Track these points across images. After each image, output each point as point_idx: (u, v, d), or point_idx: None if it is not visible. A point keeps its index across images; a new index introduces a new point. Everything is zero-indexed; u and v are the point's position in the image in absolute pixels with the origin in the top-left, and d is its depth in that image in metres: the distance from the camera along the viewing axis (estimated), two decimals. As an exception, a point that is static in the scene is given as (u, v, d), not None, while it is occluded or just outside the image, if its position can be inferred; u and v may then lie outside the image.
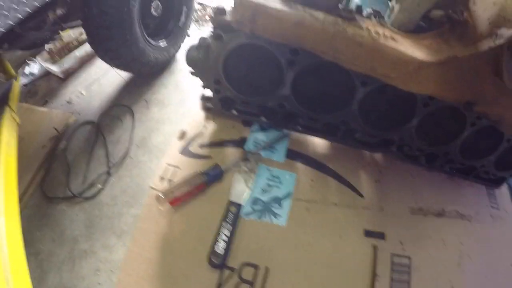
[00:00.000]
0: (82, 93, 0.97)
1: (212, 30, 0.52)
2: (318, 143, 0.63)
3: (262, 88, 0.58)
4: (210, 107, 0.63)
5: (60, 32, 0.85)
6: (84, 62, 1.09)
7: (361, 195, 0.59)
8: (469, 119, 0.58)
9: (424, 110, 0.56)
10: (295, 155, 0.60)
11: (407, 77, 0.46)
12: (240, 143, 0.60)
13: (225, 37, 0.52)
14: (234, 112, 0.61)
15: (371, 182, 0.61)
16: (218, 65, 0.56)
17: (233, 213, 0.54)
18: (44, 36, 0.80)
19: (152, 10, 0.91)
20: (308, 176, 0.59)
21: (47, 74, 1.06)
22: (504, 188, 0.71)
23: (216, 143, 0.60)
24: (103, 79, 1.01)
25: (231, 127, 0.62)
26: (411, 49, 0.45)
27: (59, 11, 0.75)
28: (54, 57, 1.05)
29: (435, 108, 0.56)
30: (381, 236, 0.57)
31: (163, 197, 0.54)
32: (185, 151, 0.60)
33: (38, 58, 1.05)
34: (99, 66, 1.03)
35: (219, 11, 0.52)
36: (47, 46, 1.04)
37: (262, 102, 0.58)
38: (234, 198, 0.55)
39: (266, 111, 0.61)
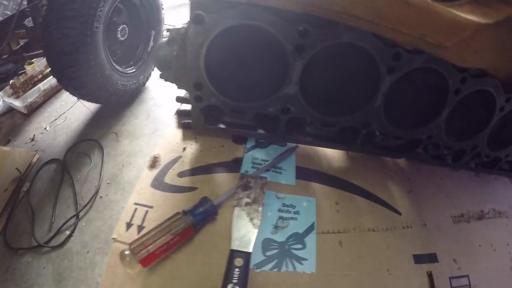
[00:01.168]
0: (46, 129, 0.90)
1: (189, 12, 0.37)
2: (331, 156, 0.47)
3: (258, 89, 0.45)
4: (190, 123, 0.49)
5: (25, 66, 0.79)
6: (49, 95, 1.01)
7: (398, 213, 0.47)
8: (499, 103, 0.47)
9: (455, 98, 0.45)
10: (308, 173, 0.44)
11: (463, 46, 0.34)
12: (233, 166, 0.43)
13: (208, 18, 0.36)
14: (222, 126, 0.47)
15: (403, 194, 0.48)
16: (198, 62, 0.39)
17: (239, 268, 0.38)
18: (8, 69, 0.75)
19: (119, 35, 0.82)
20: (331, 198, 0.44)
21: (10, 110, 1.02)
22: None
23: (201, 169, 0.43)
24: (69, 113, 0.93)
25: (220, 146, 0.46)
26: (463, 11, 0.38)
27: (21, 39, 0.71)
28: (18, 91, 1.01)
29: (466, 94, 0.48)
30: (433, 258, 0.44)
31: (129, 254, 0.37)
32: (159, 184, 0.42)
33: (1, 94, 0.97)
34: (65, 99, 0.97)
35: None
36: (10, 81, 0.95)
37: (260, 109, 0.46)
38: (237, 245, 0.36)
39: (265, 121, 0.47)
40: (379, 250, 0.41)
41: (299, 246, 0.39)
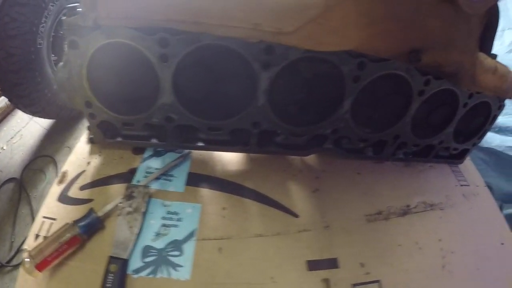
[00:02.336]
0: (3, 148, 0.97)
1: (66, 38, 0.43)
2: (230, 160, 0.51)
3: (139, 102, 0.50)
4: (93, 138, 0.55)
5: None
6: (4, 114, 1.08)
7: (295, 215, 0.47)
8: (416, 87, 0.47)
9: (356, 87, 0.46)
10: (199, 179, 0.48)
11: (314, 27, 0.34)
12: (129, 176, 0.48)
13: (81, 42, 0.42)
14: (119, 139, 0.52)
15: (307, 194, 0.49)
16: (82, 82, 0.47)
17: (113, 274, 0.42)
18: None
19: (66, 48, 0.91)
20: (219, 204, 0.46)
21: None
22: (467, 161, 0.65)
23: (100, 182, 0.49)
24: (24, 130, 1.00)
25: (119, 158, 0.51)
26: None
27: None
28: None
29: (369, 80, 0.46)
30: (332, 263, 0.44)
31: (28, 261, 0.44)
32: (64, 198, 0.48)
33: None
34: (21, 117, 1.04)
35: (71, 11, 0.42)
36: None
37: (146, 120, 0.50)
38: (115, 253, 0.42)
39: (156, 131, 0.52)
40: (265, 256, 0.43)
41: (177, 253, 0.42)
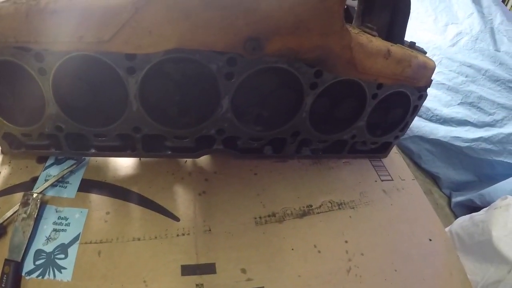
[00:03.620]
0: None
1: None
2: (121, 165, 0.58)
3: (32, 113, 0.56)
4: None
5: None
6: None
7: (176, 219, 0.51)
8: (305, 80, 0.50)
9: (230, 84, 0.49)
10: (90, 185, 0.55)
11: (128, 31, 0.39)
12: (30, 185, 0.57)
13: None
14: (23, 149, 0.59)
15: (192, 197, 0.53)
16: None
17: (6, 275, 0.49)
18: None
19: None
20: (103, 208, 0.53)
21: None
22: (394, 154, 0.66)
23: (6, 191, 0.58)
24: None
25: (25, 167, 0.60)
26: None
27: None
28: None
29: (245, 76, 0.48)
30: (209, 269, 0.47)
31: None
32: None
33: None
34: None
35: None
36: None
37: (40, 130, 0.56)
38: (10, 255, 0.51)
39: (53, 140, 0.58)
40: (140, 260, 0.48)
41: (62, 256, 0.49)
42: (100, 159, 0.58)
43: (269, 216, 0.53)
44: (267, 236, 0.51)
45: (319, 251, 0.51)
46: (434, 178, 2.02)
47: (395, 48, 0.52)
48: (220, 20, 0.39)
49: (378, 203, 0.59)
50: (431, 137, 1.86)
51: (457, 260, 0.61)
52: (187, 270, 0.47)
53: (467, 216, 1.32)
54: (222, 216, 0.52)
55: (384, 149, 0.66)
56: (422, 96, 0.63)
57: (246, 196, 0.54)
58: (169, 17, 0.39)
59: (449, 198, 1.92)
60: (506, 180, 1.65)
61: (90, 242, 0.51)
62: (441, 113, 1.87)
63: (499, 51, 1.83)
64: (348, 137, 0.59)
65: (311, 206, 0.55)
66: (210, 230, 0.51)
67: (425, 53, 0.71)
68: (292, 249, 0.50)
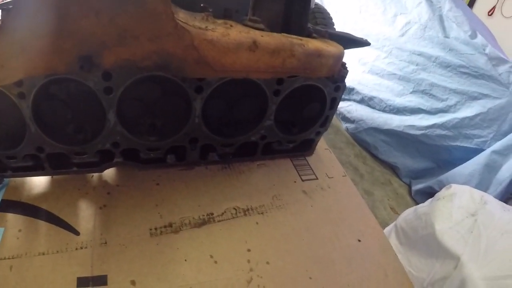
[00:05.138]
0: None
1: None
2: (37, 184, 0.63)
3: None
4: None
5: None
6: None
7: (77, 233, 0.56)
8: (188, 84, 0.52)
9: (111, 98, 0.52)
10: (7, 205, 0.60)
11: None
12: None
13: None
14: None
15: (94, 211, 0.58)
16: None
17: None
18: None
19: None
20: (16, 226, 0.59)
21: None
22: (321, 151, 0.67)
23: None
24: None
25: None
26: None
27: None
28: None
29: (123, 88, 0.52)
30: (101, 280, 0.52)
31: None
32: None
33: None
34: None
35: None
36: None
37: None
38: None
39: None
40: (43, 273, 0.54)
41: None
42: (18, 179, 0.65)
43: (165, 226, 0.55)
44: (160, 247, 0.52)
45: (215, 262, 0.52)
46: (392, 168, 2.12)
47: (267, 39, 0.51)
48: (50, 46, 0.42)
49: (294, 205, 0.60)
50: (386, 127, 1.99)
51: (394, 259, 0.59)
52: (81, 282, 0.52)
53: (412, 208, 1.26)
54: (119, 229, 0.56)
55: (307, 147, 0.67)
56: (340, 87, 0.62)
57: (144, 207, 0.56)
58: (12, 52, 0.44)
59: (409, 186, 2.01)
60: (463, 164, 1.75)
61: (4, 258, 0.56)
62: (394, 103, 1.98)
63: (449, 37, 1.89)
64: (257, 138, 0.60)
65: (212, 214, 0.57)
66: (106, 242, 0.55)
67: (364, 43, 0.70)
68: (185, 260, 0.51)
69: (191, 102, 0.54)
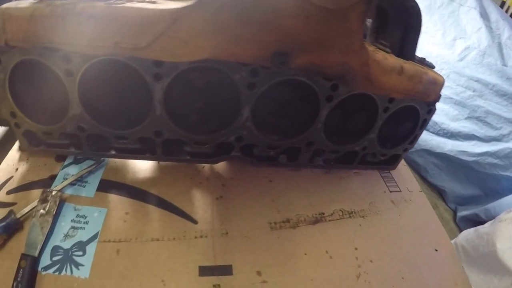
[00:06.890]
0: None
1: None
2: (140, 167, 0.63)
3: (54, 112, 0.61)
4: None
5: None
6: None
7: (194, 221, 0.56)
8: (322, 92, 0.55)
9: (252, 94, 0.54)
10: (109, 186, 0.60)
11: (165, 40, 0.44)
12: (49, 182, 0.62)
13: (2, 58, 0.56)
14: (43, 147, 0.64)
15: (210, 201, 0.58)
16: (6, 94, 0.60)
17: (23, 270, 0.54)
18: None
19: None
20: (123, 209, 0.57)
21: None
22: (402, 166, 0.71)
23: (24, 187, 0.62)
24: None
25: (43, 165, 0.64)
26: (166, 5, 0.44)
27: None
28: None
29: (266, 87, 0.54)
30: (226, 270, 0.52)
31: None
32: None
33: None
34: None
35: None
36: None
37: (61, 129, 0.61)
38: (27, 250, 0.55)
39: (73, 139, 0.63)
40: (159, 260, 0.53)
41: (80, 253, 0.54)
42: (118, 160, 0.63)
43: (283, 222, 0.58)
44: (281, 241, 0.56)
45: (330, 257, 0.56)
46: (439, 192, 2.09)
47: (408, 65, 0.59)
48: (252, 35, 0.44)
49: (386, 213, 0.65)
50: (438, 151, 1.94)
51: (462, 271, 0.67)
52: (204, 271, 0.52)
53: (472, 229, 1.39)
54: (238, 220, 0.57)
55: (393, 161, 0.73)
56: (431, 110, 0.69)
57: (262, 202, 0.59)
58: (205, 30, 0.44)
59: (455, 212, 1.99)
60: (511, 195, 1.73)
61: (109, 241, 0.56)
62: (448, 127, 1.95)
63: (507, 66, 1.92)
64: (359, 148, 0.65)
65: (323, 213, 0.61)
66: (227, 233, 0.56)
67: (434, 68, 0.79)
68: (305, 254, 0.55)
69: (319, 109, 0.57)
